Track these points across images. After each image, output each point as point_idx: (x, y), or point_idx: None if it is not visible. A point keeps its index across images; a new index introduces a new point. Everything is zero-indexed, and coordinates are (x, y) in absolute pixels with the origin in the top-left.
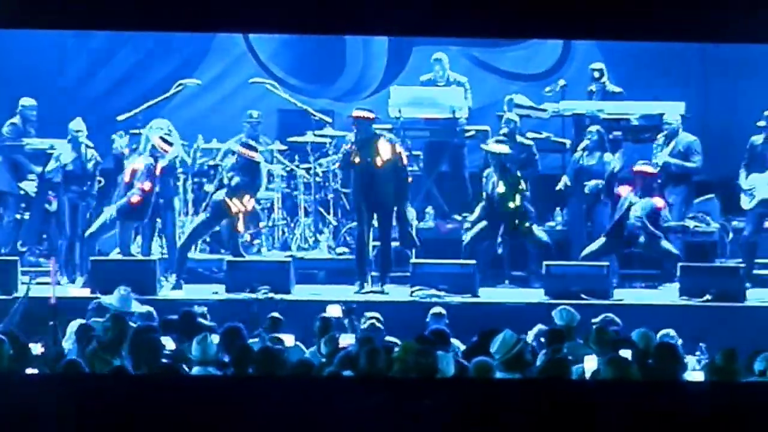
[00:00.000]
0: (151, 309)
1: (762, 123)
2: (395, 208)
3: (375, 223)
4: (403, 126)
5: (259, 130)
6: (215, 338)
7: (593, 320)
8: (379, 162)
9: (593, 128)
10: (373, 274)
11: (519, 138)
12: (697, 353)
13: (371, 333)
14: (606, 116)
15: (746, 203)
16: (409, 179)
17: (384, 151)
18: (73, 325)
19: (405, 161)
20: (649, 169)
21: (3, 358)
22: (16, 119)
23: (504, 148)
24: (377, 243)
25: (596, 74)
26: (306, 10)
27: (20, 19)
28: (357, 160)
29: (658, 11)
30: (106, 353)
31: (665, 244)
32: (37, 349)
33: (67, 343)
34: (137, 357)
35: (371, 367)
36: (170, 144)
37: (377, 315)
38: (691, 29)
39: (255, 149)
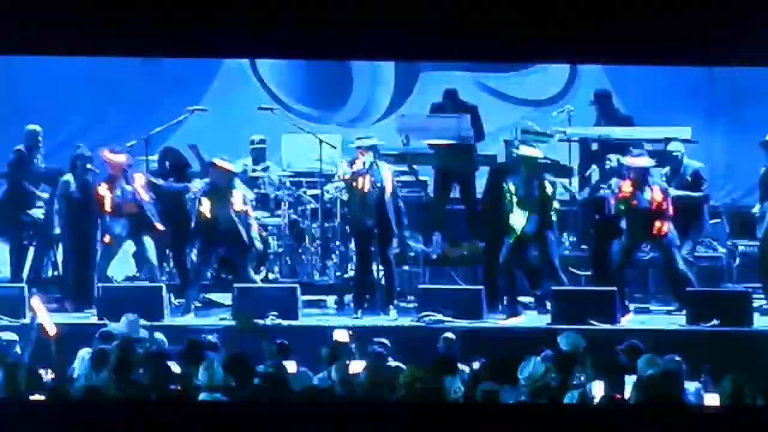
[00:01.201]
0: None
1: None
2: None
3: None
4: (410, 152)
5: (265, 155)
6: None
7: (618, 347)
8: (376, 188)
9: (613, 156)
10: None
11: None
12: (702, 377)
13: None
14: (614, 142)
15: (760, 231)
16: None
17: (383, 177)
18: (82, 353)
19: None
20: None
21: (20, 383)
22: (21, 146)
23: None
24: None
25: (603, 99)
26: (313, 36)
27: (29, 45)
28: (356, 185)
29: (664, 35)
30: (119, 379)
31: (682, 266)
32: (47, 375)
33: (78, 370)
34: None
35: (374, 376)
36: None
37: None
38: (697, 53)
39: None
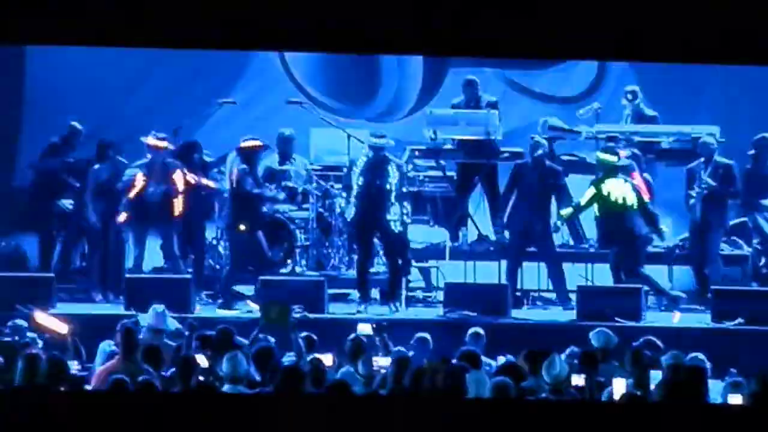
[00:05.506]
0: (180, 326)
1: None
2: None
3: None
4: (437, 147)
5: (294, 148)
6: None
7: (634, 343)
8: (381, 184)
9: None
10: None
11: (548, 163)
12: (727, 378)
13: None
14: (640, 139)
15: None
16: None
17: (389, 173)
18: (105, 344)
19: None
20: None
21: (38, 374)
22: (56, 138)
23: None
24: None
25: (629, 96)
26: (342, 30)
27: (58, 35)
28: (360, 181)
29: (690, 33)
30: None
31: None
32: (73, 366)
33: (99, 360)
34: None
35: (397, 374)
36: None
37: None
38: (723, 50)
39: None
